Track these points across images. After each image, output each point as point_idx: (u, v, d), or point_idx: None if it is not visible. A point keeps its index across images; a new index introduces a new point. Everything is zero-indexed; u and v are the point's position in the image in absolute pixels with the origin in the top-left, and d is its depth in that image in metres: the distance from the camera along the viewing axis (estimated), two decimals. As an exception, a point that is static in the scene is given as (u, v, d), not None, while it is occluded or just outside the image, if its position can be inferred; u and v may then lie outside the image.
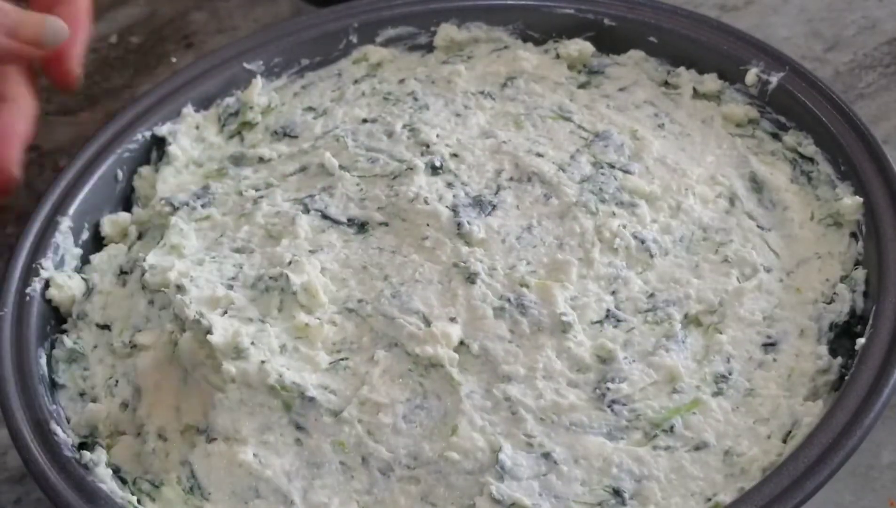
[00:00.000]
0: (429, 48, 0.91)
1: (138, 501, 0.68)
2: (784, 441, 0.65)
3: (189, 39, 1.09)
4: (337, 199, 0.78)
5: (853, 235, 0.74)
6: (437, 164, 0.78)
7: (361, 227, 0.76)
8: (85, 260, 0.81)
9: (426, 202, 0.75)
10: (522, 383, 0.67)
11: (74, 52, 0.75)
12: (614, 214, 0.74)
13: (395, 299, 0.71)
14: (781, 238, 0.75)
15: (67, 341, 0.76)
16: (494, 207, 0.75)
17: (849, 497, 0.70)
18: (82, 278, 0.79)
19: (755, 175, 0.78)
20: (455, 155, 0.79)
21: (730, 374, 0.68)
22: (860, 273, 0.71)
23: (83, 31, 0.76)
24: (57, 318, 0.78)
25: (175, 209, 0.80)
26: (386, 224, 0.75)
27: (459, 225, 0.73)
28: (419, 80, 0.89)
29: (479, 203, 0.75)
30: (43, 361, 0.74)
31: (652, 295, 0.71)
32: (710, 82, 0.83)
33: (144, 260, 0.75)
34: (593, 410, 0.66)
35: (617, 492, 0.63)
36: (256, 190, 0.81)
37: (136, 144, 0.86)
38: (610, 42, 0.86)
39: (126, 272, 0.79)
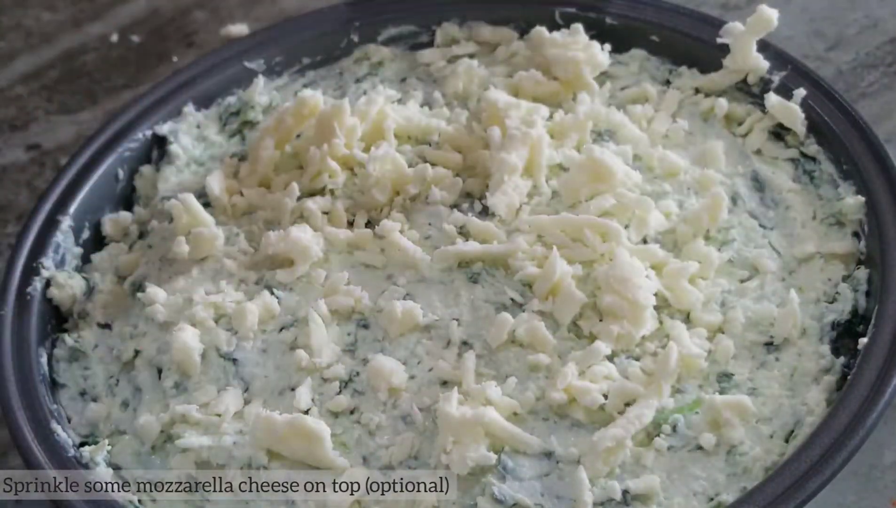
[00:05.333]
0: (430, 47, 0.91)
1: (139, 501, 0.68)
2: (786, 441, 0.65)
3: (190, 38, 1.09)
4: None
5: (855, 234, 0.73)
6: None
7: (366, 225, 0.76)
8: (86, 259, 0.81)
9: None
10: (524, 382, 0.67)
11: None
12: (616, 213, 0.74)
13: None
14: (783, 237, 0.75)
15: (69, 339, 0.76)
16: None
17: (851, 497, 0.70)
18: (83, 277, 0.79)
19: (757, 174, 0.78)
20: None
21: (732, 373, 0.68)
22: (862, 273, 0.71)
23: None
24: (58, 317, 0.78)
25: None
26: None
27: (463, 224, 0.73)
28: (420, 78, 0.89)
29: (481, 200, 0.75)
30: (44, 360, 0.74)
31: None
32: (712, 81, 0.83)
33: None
34: (596, 409, 0.66)
35: (619, 492, 0.63)
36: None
37: (137, 143, 0.86)
38: (612, 41, 0.86)
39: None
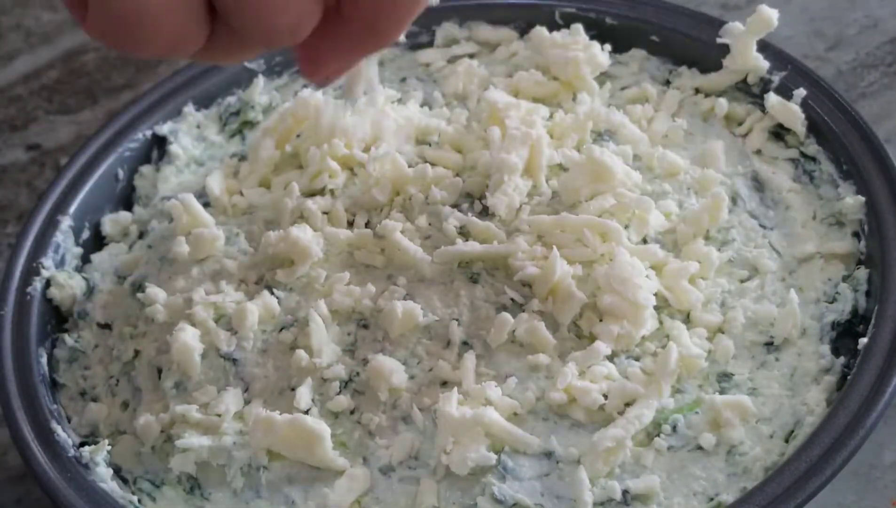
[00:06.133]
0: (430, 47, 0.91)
1: (139, 501, 0.68)
2: (786, 441, 0.65)
3: (190, 38, 1.09)
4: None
5: (855, 234, 0.73)
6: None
7: (366, 225, 0.76)
8: (86, 259, 0.81)
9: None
10: (524, 382, 0.67)
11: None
12: (616, 213, 0.74)
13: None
14: (783, 237, 0.75)
15: (69, 339, 0.76)
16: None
17: (851, 497, 0.70)
18: (83, 277, 0.79)
19: (757, 174, 0.78)
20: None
21: (732, 373, 0.68)
22: (862, 273, 0.71)
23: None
24: (58, 317, 0.78)
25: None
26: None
27: (463, 224, 0.73)
28: (420, 78, 0.89)
29: (481, 200, 0.75)
30: (44, 360, 0.74)
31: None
32: (712, 81, 0.83)
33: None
34: (596, 410, 0.66)
35: (619, 492, 0.63)
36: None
37: (137, 143, 0.86)
38: (612, 41, 0.86)
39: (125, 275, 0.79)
